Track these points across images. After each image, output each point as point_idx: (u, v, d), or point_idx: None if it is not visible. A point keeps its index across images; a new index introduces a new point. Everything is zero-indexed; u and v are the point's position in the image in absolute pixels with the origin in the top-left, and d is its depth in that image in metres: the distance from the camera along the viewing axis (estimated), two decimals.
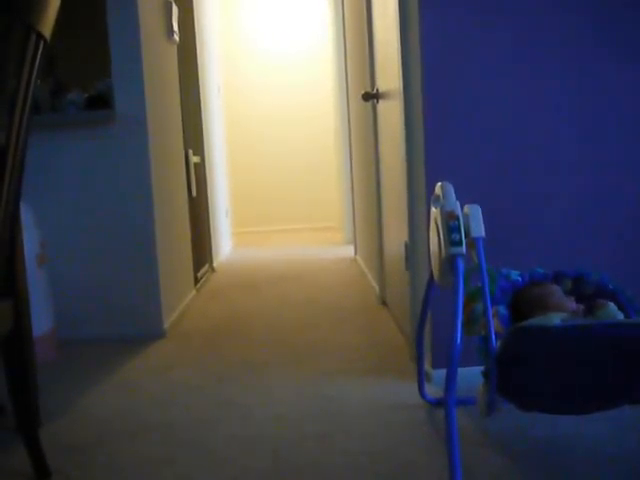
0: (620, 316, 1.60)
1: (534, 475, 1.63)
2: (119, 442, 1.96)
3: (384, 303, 3.49)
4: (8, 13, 1.26)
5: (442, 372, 2.16)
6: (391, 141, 2.88)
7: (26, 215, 2.48)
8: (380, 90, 3.18)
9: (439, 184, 1.65)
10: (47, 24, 1.45)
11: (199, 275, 4.27)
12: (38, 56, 1.47)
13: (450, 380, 1.46)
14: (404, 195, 2.48)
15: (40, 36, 1.42)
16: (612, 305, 1.62)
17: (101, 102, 3.05)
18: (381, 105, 3.21)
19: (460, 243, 1.53)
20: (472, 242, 1.56)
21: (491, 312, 1.53)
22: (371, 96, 3.30)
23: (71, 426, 2.10)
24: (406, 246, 2.56)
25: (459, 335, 1.46)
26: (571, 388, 1.44)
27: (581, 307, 1.66)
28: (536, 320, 1.55)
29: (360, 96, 3.42)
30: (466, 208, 1.60)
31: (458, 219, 1.54)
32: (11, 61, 1.35)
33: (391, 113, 2.81)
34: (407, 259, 2.56)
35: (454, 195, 1.59)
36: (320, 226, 5.82)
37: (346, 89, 5.19)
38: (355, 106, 4.54)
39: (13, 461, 1.78)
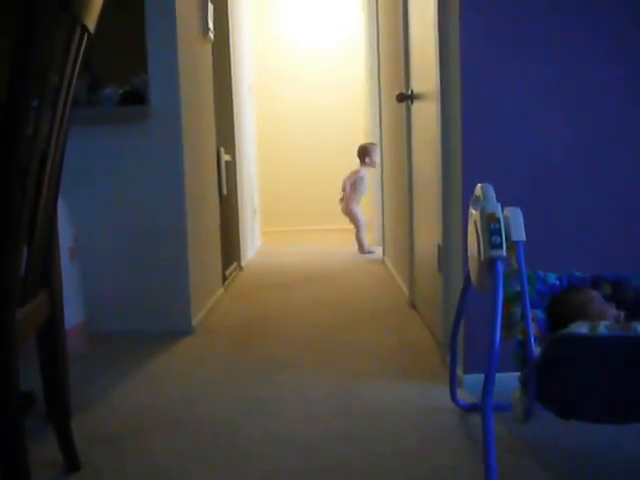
0: None
1: None
2: (149, 435, 1.96)
3: (413, 306, 3.46)
4: (56, 4, 1.25)
5: (474, 377, 2.15)
6: (425, 142, 2.86)
7: (60, 209, 2.49)
8: (415, 91, 3.16)
9: (479, 185, 1.62)
10: (92, 17, 1.44)
11: (227, 273, 4.28)
12: (82, 50, 1.47)
13: (488, 384, 1.44)
14: (438, 197, 2.45)
15: (85, 29, 1.42)
16: None
17: (136, 97, 3.05)
18: (416, 106, 3.18)
19: (501, 246, 1.50)
20: (512, 245, 1.54)
21: (530, 316, 1.50)
22: (405, 97, 3.28)
23: (101, 418, 2.11)
24: (439, 248, 2.53)
25: (498, 339, 1.44)
26: (614, 398, 1.41)
27: (622, 314, 1.63)
28: (580, 327, 1.52)
29: (394, 97, 3.39)
30: (506, 211, 1.58)
31: (499, 221, 1.52)
32: (56, 53, 1.34)
33: (427, 115, 2.79)
34: (440, 261, 2.54)
35: (495, 197, 1.57)
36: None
37: (378, 88, 5.16)
38: (387, 106, 4.51)
39: (44, 451, 1.78)
